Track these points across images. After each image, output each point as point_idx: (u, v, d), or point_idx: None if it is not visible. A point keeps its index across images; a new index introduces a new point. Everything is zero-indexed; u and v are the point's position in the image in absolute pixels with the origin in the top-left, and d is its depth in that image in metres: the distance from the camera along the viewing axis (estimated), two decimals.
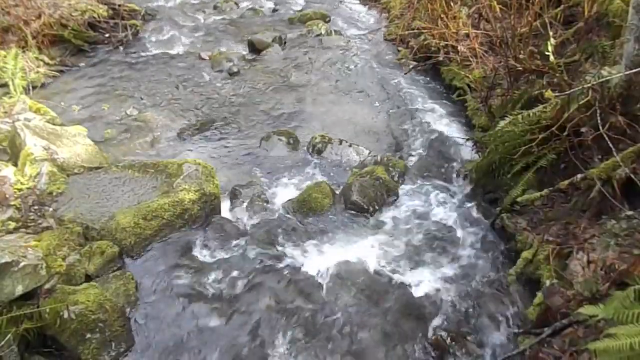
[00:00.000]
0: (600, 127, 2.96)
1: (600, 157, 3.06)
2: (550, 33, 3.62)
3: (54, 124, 4.17)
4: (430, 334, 2.78)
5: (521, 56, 4.23)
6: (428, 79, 5.84)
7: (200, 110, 5.19)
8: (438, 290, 3.07)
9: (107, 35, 6.65)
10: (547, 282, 2.70)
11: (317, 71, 6.04)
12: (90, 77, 5.82)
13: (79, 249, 3.06)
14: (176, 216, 3.39)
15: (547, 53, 3.43)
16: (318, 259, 3.27)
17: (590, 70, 3.46)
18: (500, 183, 3.58)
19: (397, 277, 3.15)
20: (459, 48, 5.38)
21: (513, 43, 4.42)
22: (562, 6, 4.67)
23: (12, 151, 3.79)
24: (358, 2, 8.70)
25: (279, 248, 3.36)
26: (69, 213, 3.28)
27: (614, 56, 3.52)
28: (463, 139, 4.48)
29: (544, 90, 3.23)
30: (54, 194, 3.41)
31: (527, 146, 3.33)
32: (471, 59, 5.13)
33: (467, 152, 4.33)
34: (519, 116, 3.26)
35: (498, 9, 4.74)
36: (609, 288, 2.42)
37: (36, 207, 3.28)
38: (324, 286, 3.06)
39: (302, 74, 5.97)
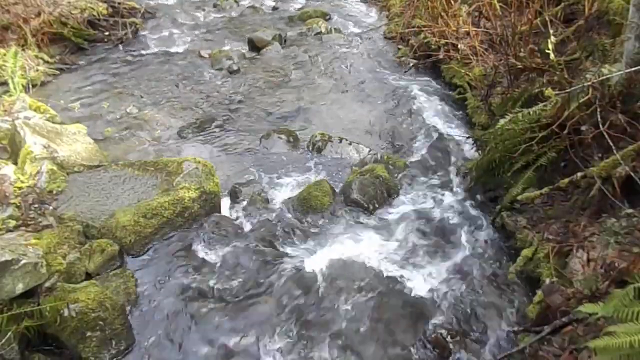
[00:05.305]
0: (601, 125, 2.95)
1: (600, 155, 3.05)
2: (551, 31, 3.62)
3: (53, 122, 4.18)
4: (430, 332, 2.78)
5: (521, 54, 4.22)
6: (428, 77, 5.83)
7: (200, 109, 5.18)
8: (438, 288, 3.07)
9: (106, 33, 6.65)
10: (547, 280, 2.70)
11: (317, 69, 6.03)
12: (90, 75, 5.82)
13: (79, 247, 3.06)
14: (176, 214, 3.39)
15: (547, 51, 3.44)
16: (318, 257, 3.27)
17: (591, 69, 3.45)
18: (501, 181, 3.58)
19: (396, 275, 3.15)
20: (459, 46, 5.37)
21: (513, 41, 4.42)
22: (562, 4, 4.66)
23: (12, 149, 3.79)
24: (358, 0, 8.69)
25: (279, 246, 3.36)
26: (69, 211, 3.28)
27: (614, 54, 3.52)
28: (463, 137, 4.48)
29: (544, 89, 3.23)
30: (54, 192, 3.41)
31: (527, 144, 3.33)
32: (471, 57, 5.13)
33: (467, 150, 4.33)
34: (519, 114, 3.25)
35: (498, 7, 4.73)
36: (609, 286, 2.42)
37: (36, 206, 3.28)
38: (324, 284, 3.06)
39: (302, 72, 5.96)
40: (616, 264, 2.49)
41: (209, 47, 6.67)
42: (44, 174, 3.44)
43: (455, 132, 4.64)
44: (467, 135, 4.42)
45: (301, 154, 4.44)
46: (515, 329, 2.74)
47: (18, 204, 3.22)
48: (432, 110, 5.08)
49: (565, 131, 3.17)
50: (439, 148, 4.45)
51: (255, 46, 6.66)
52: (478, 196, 3.81)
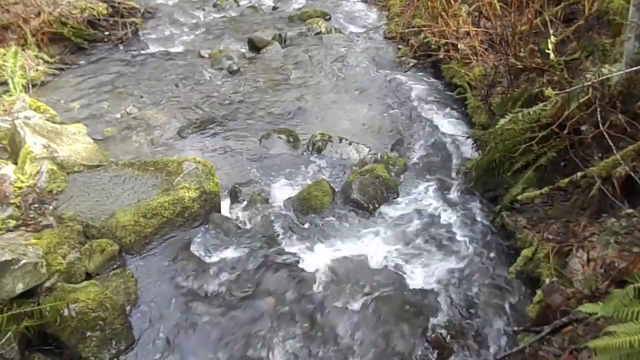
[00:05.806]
0: (601, 125, 2.95)
1: (600, 155, 3.05)
2: (551, 31, 3.62)
3: (53, 122, 4.18)
4: (429, 331, 2.78)
5: (521, 54, 4.22)
6: (428, 77, 5.83)
7: (200, 109, 5.18)
8: (438, 288, 3.07)
9: (106, 33, 6.65)
10: (547, 280, 2.70)
11: (317, 69, 6.03)
12: (90, 75, 5.82)
13: (79, 247, 3.06)
14: (176, 214, 3.39)
15: (547, 51, 3.44)
16: (318, 257, 3.27)
17: (591, 68, 3.45)
18: (501, 181, 3.58)
19: (396, 275, 3.15)
20: (459, 46, 5.38)
21: (513, 41, 4.42)
22: (562, 4, 4.66)
23: (12, 149, 3.79)
24: (358, 0, 8.69)
25: (279, 246, 3.36)
26: (69, 211, 3.28)
27: (614, 54, 3.52)
28: (463, 137, 4.48)
29: (544, 88, 3.23)
30: (54, 192, 3.41)
31: (527, 144, 3.33)
32: (471, 57, 5.13)
33: (467, 150, 4.33)
34: (519, 114, 3.25)
35: (498, 7, 4.73)
36: (609, 286, 2.42)
37: (36, 205, 3.28)
38: (324, 284, 3.06)
39: (302, 72, 5.96)
40: (616, 264, 2.49)
41: (209, 47, 6.66)
42: (44, 174, 3.44)
43: (455, 131, 4.64)
44: (467, 135, 4.42)
45: (301, 154, 4.44)
46: (515, 328, 2.73)
47: (18, 204, 3.22)
48: (432, 110, 5.08)
49: (565, 131, 3.17)
50: (439, 148, 4.45)
51: (255, 46, 6.66)
52: (478, 196, 3.81)
